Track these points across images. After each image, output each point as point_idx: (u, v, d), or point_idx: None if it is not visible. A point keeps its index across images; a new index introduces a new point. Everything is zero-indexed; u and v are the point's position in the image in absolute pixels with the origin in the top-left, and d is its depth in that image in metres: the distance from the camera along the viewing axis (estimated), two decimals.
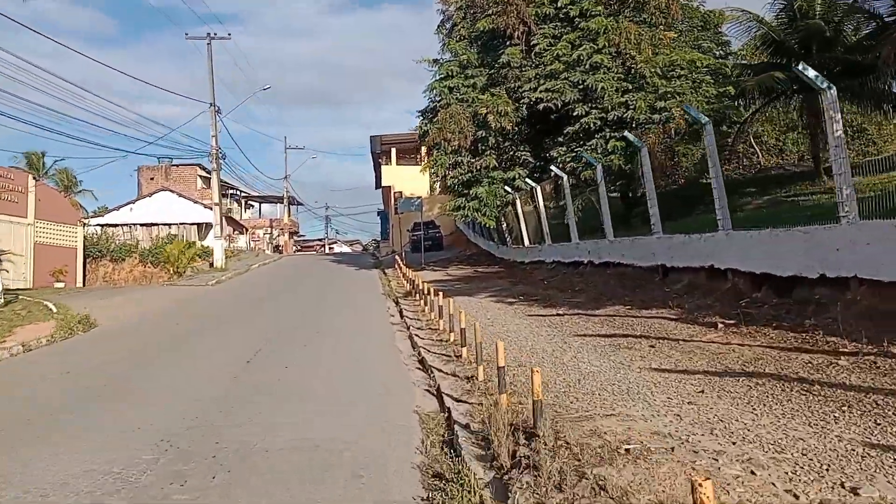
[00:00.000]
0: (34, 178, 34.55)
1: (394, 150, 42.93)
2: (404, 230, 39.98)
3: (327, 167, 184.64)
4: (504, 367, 5.94)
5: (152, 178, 66.51)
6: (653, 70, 19.08)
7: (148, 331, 13.37)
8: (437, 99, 23.53)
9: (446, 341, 10.01)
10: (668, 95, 19.01)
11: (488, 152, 22.27)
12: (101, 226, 50.68)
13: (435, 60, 24.22)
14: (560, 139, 21.19)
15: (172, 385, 8.30)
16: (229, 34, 30.50)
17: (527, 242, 22.72)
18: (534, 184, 20.30)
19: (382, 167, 43.40)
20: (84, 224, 43.20)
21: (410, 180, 41.36)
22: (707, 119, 10.26)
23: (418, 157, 43.66)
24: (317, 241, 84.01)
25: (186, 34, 30.99)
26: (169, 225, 53.08)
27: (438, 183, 45.87)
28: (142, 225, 52.93)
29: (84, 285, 35.43)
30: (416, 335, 10.99)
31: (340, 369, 8.98)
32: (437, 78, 23.50)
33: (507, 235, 25.22)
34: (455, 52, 23.28)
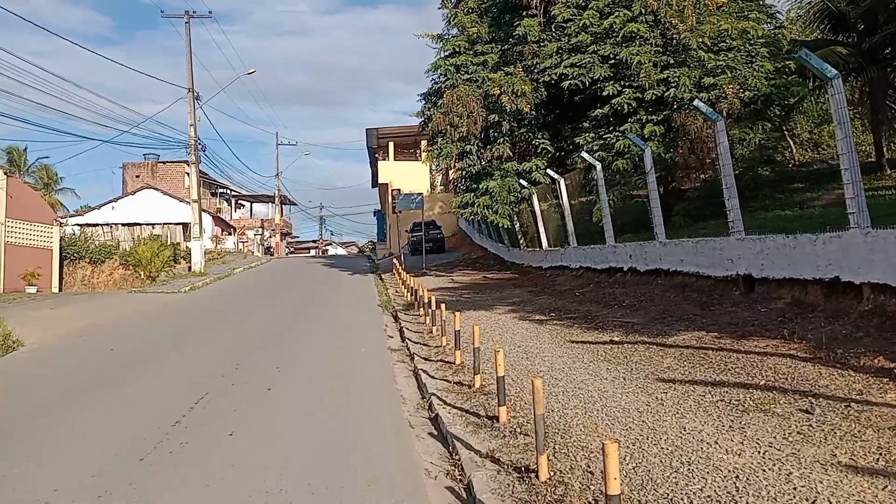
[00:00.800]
0: (5, 173, 31.50)
1: (391, 145, 39.92)
2: (403, 231, 36.93)
3: (323, 169, 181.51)
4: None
5: (138, 176, 63.54)
6: (699, 41, 16.10)
7: (72, 359, 10.31)
8: (443, 79, 20.54)
9: (470, 386, 7.00)
10: (718, 70, 16.05)
11: (501, 140, 19.26)
12: (80, 225, 47.66)
13: (439, 36, 21.18)
14: (585, 124, 18.22)
15: (33, 477, 5.28)
16: (210, 12, 27.44)
17: (545, 245, 19.72)
18: (557, 176, 17.31)
19: (379, 163, 40.38)
20: (60, 223, 40.17)
21: (409, 177, 38.38)
22: (834, 73, 7.27)
23: (418, 151, 40.69)
24: (311, 242, 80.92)
25: (162, 12, 27.85)
26: (153, 225, 50.20)
27: (442, 177, 42.95)
28: (123, 225, 50.02)
29: (61, 289, 32.50)
30: (424, 370, 7.99)
31: (311, 439, 5.95)
32: (443, 55, 20.51)
33: (520, 237, 22.23)
34: (462, 26, 20.27)
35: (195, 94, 27.68)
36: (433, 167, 41.06)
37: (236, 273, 29.50)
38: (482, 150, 19.94)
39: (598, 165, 14.98)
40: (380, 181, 40.23)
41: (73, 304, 19.40)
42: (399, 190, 37.25)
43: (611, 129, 17.63)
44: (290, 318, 14.40)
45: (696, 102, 9.64)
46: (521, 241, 22.26)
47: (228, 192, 67.66)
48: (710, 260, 10.35)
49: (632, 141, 13.65)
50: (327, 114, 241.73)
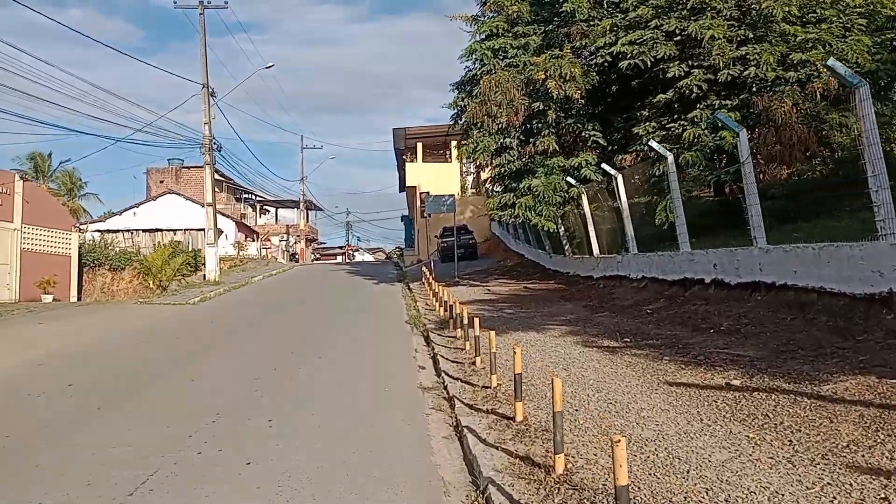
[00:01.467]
0: (21, 177, 30.04)
1: (420, 146, 37.75)
2: (431, 236, 34.67)
3: (351, 176, 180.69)
4: None
5: (162, 181, 62.44)
6: (784, 10, 13.56)
7: (20, 399, 8.12)
8: (478, 65, 18.25)
9: (546, 470, 4.60)
10: (808, 45, 13.50)
11: (546, 132, 16.88)
12: (101, 232, 46.37)
13: (474, 18, 18.86)
14: (643, 112, 15.79)
15: None
16: (226, 2, 25.48)
17: (596, 251, 17.27)
18: (614, 171, 14.86)
19: (407, 165, 38.23)
20: (79, 229, 38.82)
21: (439, 179, 36.17)
22: None
23: (447, 153, 38.46)
24: (337, 248, 79.17)
25: (175, 2, 25.95)
26: (174, 231, 48.69)
27: (473, 179, 40.51)
28: (145, 231, 48.62)
29: (80, 297, 30.94)
30: (471, 429, 5.63)
31: None
32: (478, 38, 18.21)
33: (564, 242, 19.78)
34: (500, 5, 17.93)
35: (210, 90, 25.76)
36: (463, 169, 38.81)
37: (254, 281, 27.47)
38: (523, 145, 17.60)
39: (670, 157, 12.51)
40: (407, 184, 38.09)
41: (71, 317, 17.48)
42: (428, 193, 35.02)
43: (675, 116, 15.20)
44: (302, 341, 12.14)
45: (830, 62, 7.16)
46: (565, 247, 19.83)
47: (253, 197, 66.21)
48: (842, 272, 7.84)
49: (722, 123, 11.14)
50: (356, 121, 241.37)
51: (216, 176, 61.97)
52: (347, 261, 74.06)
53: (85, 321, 16.62)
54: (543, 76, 15.79)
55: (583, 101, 16.41)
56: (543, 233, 22.12)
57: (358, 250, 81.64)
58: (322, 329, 13.56)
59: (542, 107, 16.41)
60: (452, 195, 24.30)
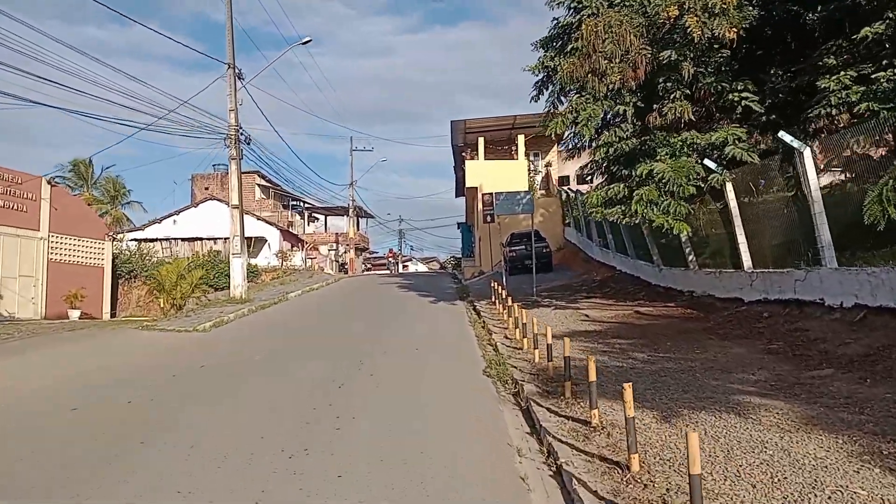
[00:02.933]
0: (49, 182, 26.73)
1: (481, 141, 32.99)
2: (496, 244, 29.88)
3: (404, 185, 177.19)
4: None
5: (207, 188, 59.54)
6: None
7: None
8: (573, 12, 13.43)
9: None
10: None
11: (677, 94, 11.87)
12: (138, 241, 43.18)
13: None
14: (830, 59, 10.71)
15: None
16: None
17: (747, 262, 12.14)
18: (798, 143, 9.76)
19: (467, 163, 33.51)
20: (114, 238, 35.55)
21: (504, 179, 31.32)
22: None
23: (513, 149, 33.59)
24: (390, 257, 75.04)
25: None
26: (215, 239, 45.28)
27: (541, 176, 35.42)
28: (184, 240, 45.32)
29: (114, 313, 27.51)
30: None
31: None
32: None
33: (687, 249, 14.67)
34: None
35: (237, 70, 21.62)
36: (531, 167, 33.84)
37: (289, 298, 23.14)
38: (641, 115, 12.64)
39: None
40: (467, 185, 33.34)
41: (51, 346, 13.45)
42: (492, 194, 30.19)
43: (877, 64, 10.10)
44: (318, 413, 7.42)
45: None
46: (688, 257, 14.70)
47: (301, 204, 62.74)
48: None
49: None
50: (409, 130, 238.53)
51: (264, 182, 58.98)
52: (400, 271, 69.91)
53: (62, 352, 12.54)
54: (677, 11, 10.85)
55: (732, 47, 11.39)
56: (650, 238, 17.04)
57: (410, 260, 77.33)
58: (354, 384, 8.85)
59: (673, 57, 11.44)
60: (529, 192, 19.44)
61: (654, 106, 12.20)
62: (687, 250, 14.66)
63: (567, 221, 31.05)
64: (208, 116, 22.97)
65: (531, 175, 33.40)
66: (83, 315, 26.18)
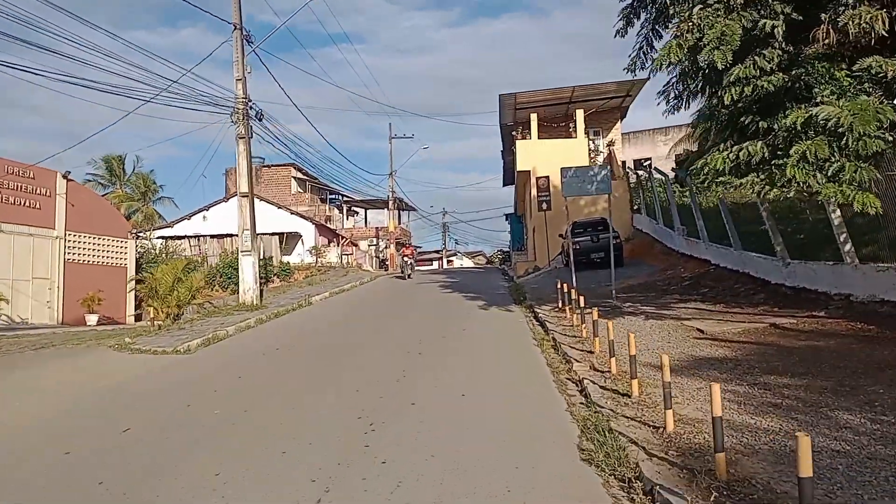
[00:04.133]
0: (64, 176, 24.05)
1: (534, 118, 28.81)
2: (552, 235, 25.75)
3: (449, 181, 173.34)
4: None
5: None
6: None
7: None
8: None
9: None
10: None
11: None
12: (165, 238, 40.35)
13: None
14: None
15: None
16: None
17: None
18: None
19: (518, 143, 29.36)
20: (137, 236, 32.75)
21: (560, 160, 27.18)
22: None
23: (570, 125, 29.32)
24: (433, 252, 71.32)
25: None
26: None
27: (604, 157, 31.03)
28: (213, 236, 42.43)
29: (139, 316, 24.89)
30: None
31: None
32: None
33: (841, 236, 10.41)
34: None
35: (245, 32, 18.03)
36: (591, 146, 29.47)
37: (312, 302, 19.56)
38: (798, 34, 8.45)
39: None
40: (518, 168, 29.19)
41: None
42: (547, 178, 26.07)
43: None
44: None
45: None
46: (844, 247, 10.42)
47: (339, 198, 59.49)
48: None
49: None
50: (452, 126, 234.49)
51: (300, 175, 55.88)
52: (445, 265, 66.09)
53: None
54: None
55: None
56: (771, 222, 12.79)
57: (456, 254, 73.42)
58: (361, 466, 5.04)
59: None
60: (606, 166, 15.19)
61: (822, 16, 7.98)
62: (842, 237, 10.38)
63: (636, 207, 26.72)
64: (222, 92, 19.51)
65: (592, 156, 29.12)
66: (103, 319, 23.38)
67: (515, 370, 9.01)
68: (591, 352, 9.32)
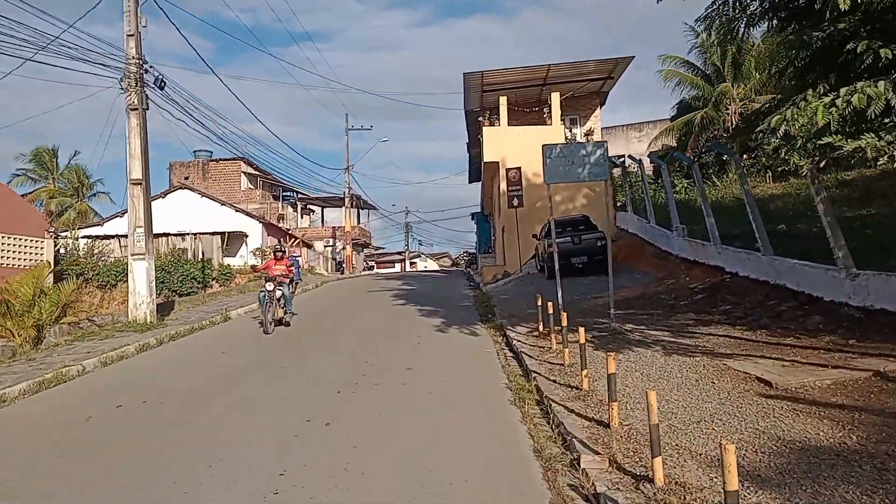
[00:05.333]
0: None
1: (504, 101, 25.18)
2: (525, 235, 22.16)
3: (414, 181, 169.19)
4: None
5: (187, 178, 52.35)
6: None
7: None
8: None
9: None
10: None
11: None
12: (92, 238, 35.65)
13: None
14: None
15: None
16: None
17: None
18: None
19: (484, 130, 25.68)
20: (56, 235, 28.21)
21: (534, 150, 23.69)
22: None
23: (545, 111, 25.79)
24: (396, 254, 67.42)
25: None
26: (183, 235, 37.95)
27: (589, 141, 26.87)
28: None
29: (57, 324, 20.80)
30: None
31: None
32: None
33: None
34: None
35: None
36: (568, 135, 25.98)
37: (230, 317, 15.68)
38: None
39: None
40: (485, 159, 25.49)
41: None
42: (518, 169, 22.48)
43: None
44: None
45: None
46: None
47: (294, 195, 55.28)
48: None
49: None
50: (421, 127, 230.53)
51: (251, 170, 51.55)
52: (408, 268, 62.11)
53: None
54: None
55: None
56: (831, 218, 9.34)
57: (419, 256, 69.54)
58: None
59: None
60: (603, 143, 11.55)
61: None
62: None
63: (620, 204, 23.32)
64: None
65: (570, 143, 25.64)
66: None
67: (481, 473, 5.27)
68: (603, 423, 5.69)
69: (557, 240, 18.20)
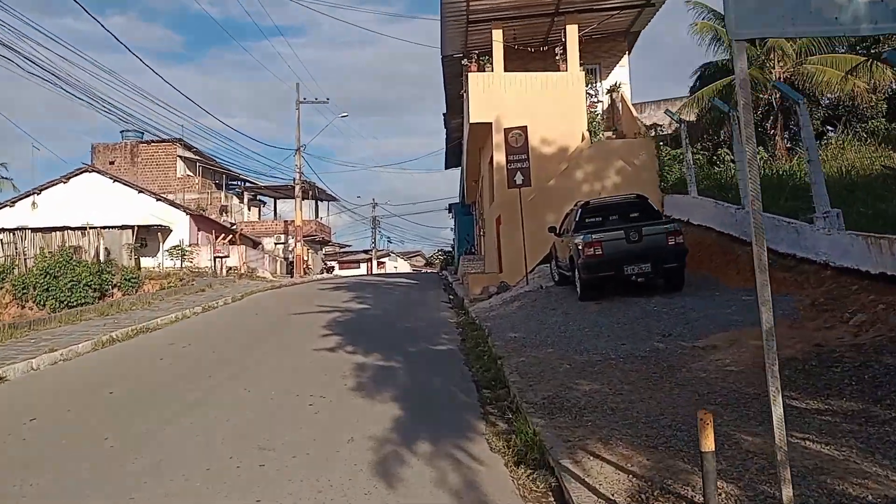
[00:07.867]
0: None
1: (498, 37, 17.41)
2: (534, 228, 14.65)
3: (386, 179, 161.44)
4: None
5: (112, 162, 44.14)
6: None
7: None
8: None
9: None
10: None
11: None
12: None
13: None
14: None
15: None
16: None
17: None
18: None
19: (470, 78, 17.77)
20: None
21: (541, 105, 16.27)
22: None
23: (558, 54, 18.17)
24: (362, 253, 59.59)
25: None
26: (83, 230, 29.94)
27: (606, 102, 19.57)
28: (39, 230, 29.98)
29: None
30: None
31: None
32: None
33: None
34: None
35: None
36: (591, 88, 18.57)
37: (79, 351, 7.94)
38: None
39: None
40: (471, 120, 17.58)
41: None
42: (522, 129, 14.98)
43: None
44: None
45: None
46: None
47: (240, 183, 47.33)
48: None
49: None
50: (393, 122, 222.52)
51: (189, 154, 43.30)
52: (375, 270, 54.40)
53: None
54: None
55: None
56: None
57: (388, 255, 61.73)
58: None
59: None
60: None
61: None
62: None
63: (670, 183, 15.93)
64: None
65: (591, 103, 18.31)
66: None
67: None
68: None
69: (600, 234, 10.88)
